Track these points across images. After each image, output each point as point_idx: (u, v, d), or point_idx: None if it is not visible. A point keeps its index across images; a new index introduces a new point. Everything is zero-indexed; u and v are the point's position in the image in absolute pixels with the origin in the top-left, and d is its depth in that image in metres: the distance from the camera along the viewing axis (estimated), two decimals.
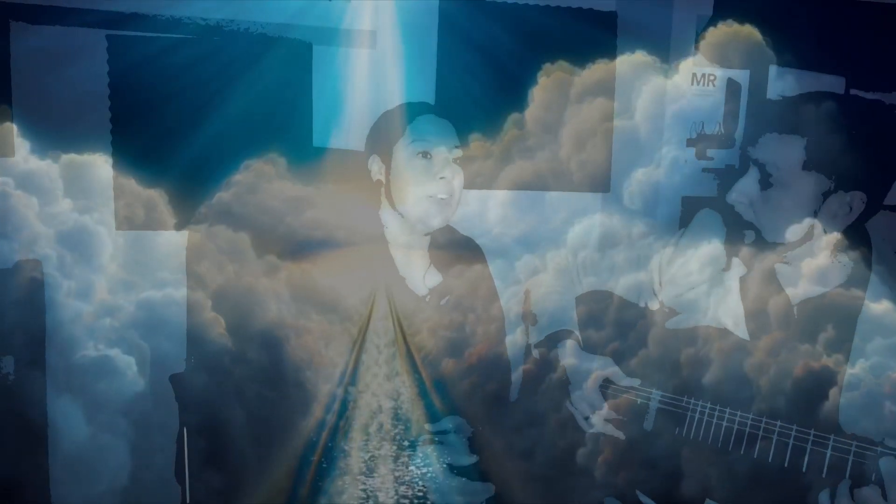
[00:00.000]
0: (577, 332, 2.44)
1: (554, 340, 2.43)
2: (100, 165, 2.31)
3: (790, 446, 2.09)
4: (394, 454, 2.42)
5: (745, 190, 2.28)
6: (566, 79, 2.54)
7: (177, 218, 2.37)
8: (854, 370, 2.18)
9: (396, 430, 2.44)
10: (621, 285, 2.47)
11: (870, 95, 2.47)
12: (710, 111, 2.58)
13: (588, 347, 2.42)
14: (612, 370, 2.36)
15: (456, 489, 2.41)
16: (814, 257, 2.25)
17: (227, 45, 2.33)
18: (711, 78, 2.57)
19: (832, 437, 2.05)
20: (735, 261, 2.34)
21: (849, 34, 2.57)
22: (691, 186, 2.59)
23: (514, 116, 2.53)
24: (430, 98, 2.45)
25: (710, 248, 2.40)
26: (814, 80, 2.50)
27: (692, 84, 2.57)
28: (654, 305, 2.44)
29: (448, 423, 2.44)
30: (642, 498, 2.32)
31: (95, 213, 2.32)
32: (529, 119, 2.55)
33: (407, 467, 2.41)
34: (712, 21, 2.56)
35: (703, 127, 2.59)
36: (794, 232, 2.25)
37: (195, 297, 2.36)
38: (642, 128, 2.60)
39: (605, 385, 2.35)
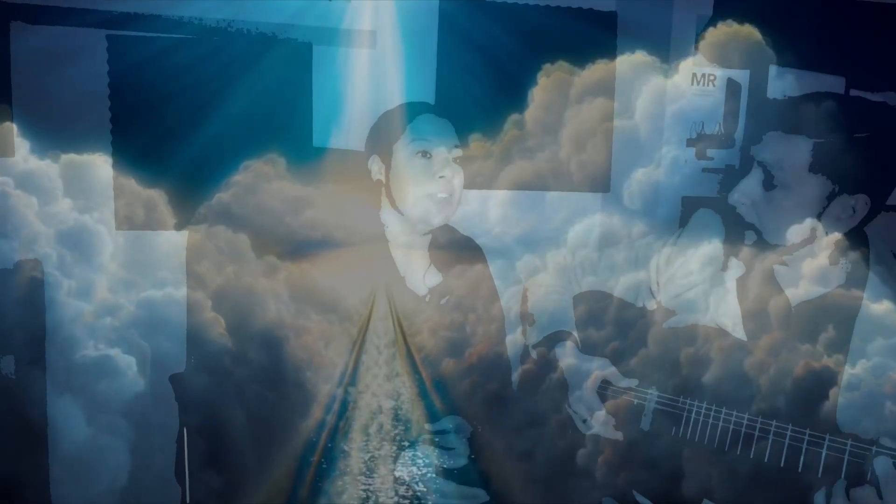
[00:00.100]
0: (574, 334, 2.43)
1: (551, 341, 2.43)
2: (99, 165, 2.31)
3: (786, 446, 2.09)
4: (394, 455, 2.42)
5: (747, 191, 2.24)
6: (566, 79, 2.55)
7: (177, 218, 2.37)
8: (855, 370, 2.18)
9: (396, 431, 2.44)
10: (620, 285, 2.47)
11: (870, 96, 2.47)
12: (710, 111, 2.58)
13: (588, 347, 2.41)
14: (610, 371, 2.35)
15: (455, 489, 2.41)
16: (814, 258, 2.24)
17: (226, 46, 2.34)
18: (711, 78, 2.57)
19: (827, 436, 2.05)
20: (733, 261, 2.33)
21: (849, 34, 2.57)
22: (691, 186, 2.58)
23: (514, 116, 2.54)
24: (430, 98, 2.45)
25: (707, 249, 2.38)
26: (814, 80, 2.50)
27: (692, 84, 2.57)
28: (652, 306, 2.43)
29: (448, 423, 2.44)
30: (639, 498, 2.31)
31: (95, 213, 2.33)
32: (529, 119, 2.55)
33: (407, 468, 2.41)
34: (712, 21, 2.56)
35: (703, 127, 2.59)
36: (795, 234, 2.22)
37: (195, 296, 2.36)
38: (642, 128, 2.60)
39: (604, 386, 2.34)
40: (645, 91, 2.58)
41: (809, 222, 2.21)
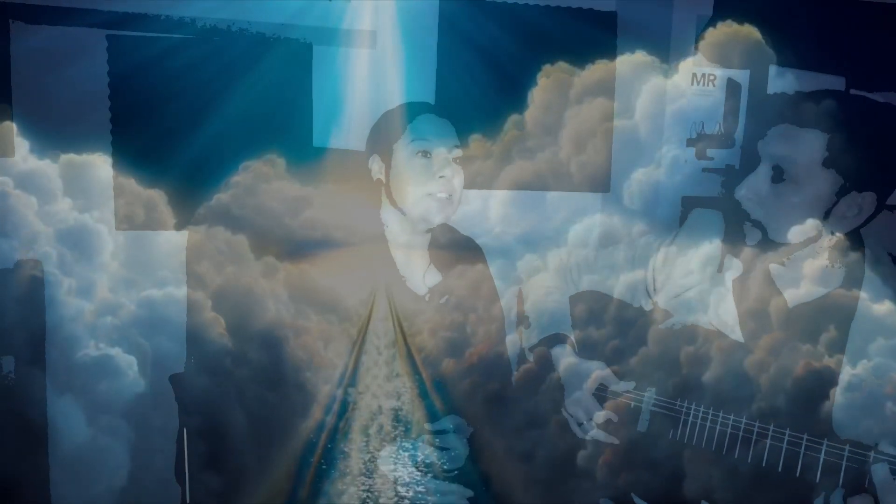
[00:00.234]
0: (571, 335, 2.43)
1: (547, 344, 2.42)
2: (99, 165, 2.32)
3: (783, 451, 2.08)
4: (394, 455, 2.42)
5: (755, 186, 2.20)
6: (566, 79, 2.55)
7: (177, 218, 2.37)
8: (856, 371, 2.17)
9: (397, 432, 2.43)
10: (619, 285, 2.47)
11: (871, 96, 2.46)
12: (710, 111, 2.58)
13: (588, 346, 2.41)
14: (606, 374, 2.34)
15: (455, 489, 2.41)
16: (812, 259, 2.23)
17: (227, 46, 2.34)
18: (711, 78, 2.57)
19: (825, 441, 2.04)
20: (730, 262, 2.32)
21: (849, 34, 2.56)
22: (691, 186, 2.58)
23: (514, 116, 2.54)
24: (430, 98, 2.45)
25: (703, 249, 2.37)
26: (814, 80, 2.49)
27: (692, 84, 2.57)
28: (649, 306, 2.42)
29: (448, 423, 2.43)
30: (638, 501, 2.31)
31: (95, 212, 2.33)
32: (529, 119, 2.56)
33: (407, 468, 2.41)
34: (712, 21, 2.56)
35: (703, 127, 2.59)
36: (801, 232, 2.20)
37: (195, 296, 2.36)
38: (642, 128, 2.60)
39: (600, 390, 2.34)
40: (645, 91, 2.58)
41: (816, 220, 2.19)
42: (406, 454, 2.42)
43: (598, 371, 2.33)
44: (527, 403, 2.44)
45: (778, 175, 2.17)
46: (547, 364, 2.40)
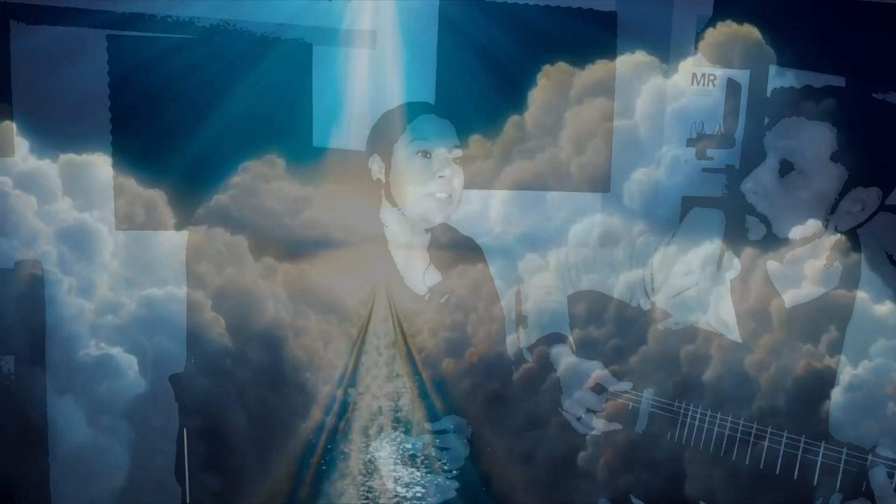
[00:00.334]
0: (569, 336, 2.42)
1: (546, 343, 2.41)
2: (99, 165, 2.31)
3: (781, 453, 2.07)
4: (394, 455, 2.42)
5: (761, 179, 2.18)
6: (566, 79, 2.55)
7: (177, 218, 2.37)
8: (857, 371, 2.16)
9: (397, 432, 2.43)
10: (618, 284, 2.46)
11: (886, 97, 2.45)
12: (710, 111, 2.58)
13: (588, 344, 2.40)
14: (603, 375, 2.33)
15: (455, 489, 2.41)
16: (810, 259, 2.23)
17: (227, 46, 2.34)
18: (711, 78, 2.57)
19: (823, 444, 2.03)
20: (727, 261, 2.31)
21: (849, 34, 2.56)
22: (691, 186, 2.58)
23: (513, 116, 2.54)
24: (430, 98, 2.46)
25: (701, 249, 2.37)
26: (814, 80, 2.49)
27: (692, 84, 2.57)
28: (646, 306, 2.42)
29: (448, 423, 2.43)
30: (636, 502, 2.31)
31: (95, 211, 2.33)
32: (529, 119, 2.56)
33: (407, 468, 2.41)
34: (712, 21, 2.56)
35: (703, 127, 2.59)
36: (806, 228, 2.18)
37: (195, 296, 2.36)
38: (642, 128, 2.60)
39: (599, 390, 2.33)
40: (645, 91, 2.58)
41: (822, 216, 2.18)
42: (406, 454, 2.42)
43: (597, 371, 2.33)
44: (527, 403, 2.44)
45: (786, 168, 2.16)
46: (547, 364, 2.40)
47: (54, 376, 2.29)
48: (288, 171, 2.41)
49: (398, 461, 2.41)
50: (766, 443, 2.10)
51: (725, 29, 2.55)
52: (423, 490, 2.39)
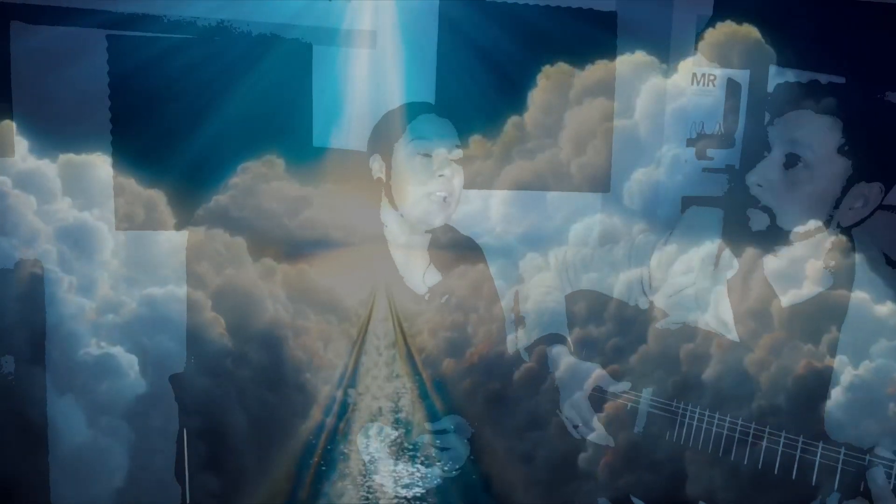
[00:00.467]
0: (567, 336, 2.42)
1: (544, 343, 2.41)
2: (99, 165, 2.31)
3: (780, 453, 2.07)
4: (394, 455, 2.42)
5: (767, 172, 2.18)
6: (566, 79, 2.55)
7: (177, 218, 2.37)
8: (857, 371, 2.16)
9: (397, 432, 2.43)
10: (617, 283, 2.46)
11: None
12: (710, 111, 2.58)
13: (588, 343, 2.41)
14: (602, 376, 2.33)
15: (455, 489, 2.41)
16: (813, 257, 2.23)
17: (227, 46, 2.34)
18: (711, 78, 2.57)
19: (821, 444, 2.03)
20: (724, 260, 2.31)
21: (849, 34, 2.56)
22: (691, 186, 2.58)
23: (514, 117, 2.54)
24: (430, 98, 2.45)
25: (698, 249, 2.37)
26: (814, 80, 2.49)
27: (692, 84, 2.57)
28: (644, 305, 2.42)
29: (448, 423, 2.43)
30: (636, 502, 2.30)
31: (95, 211, 2.33)
32: (529, 119, 2.55)
33: (407, 469, 2.41)
34: (712, 21, 2.56)
35: (703, 127, 2.58)
36: (809, 223, 2.18)
37: (195, 296, 2.36)
38: (642, 128, 2.60)
39: (598, 391, 2.33)
40: (645, 91, 2.58)
41: (826, 209, 2.17)
42: (406, 454, 2.42)
43: (595, 372, 2.33)
44: (527, 403, 2.44)
45: (791, 161, 2.16)
46: (544, 365, 2.40)
47: (54, 376, 2.29)
48: (288, 171, 2.41)
49: (398, 461, 2.41)
50: (764, 443, 2.10)
51: (725, 29, 2.55)
52: (424, 490, 2.39)
